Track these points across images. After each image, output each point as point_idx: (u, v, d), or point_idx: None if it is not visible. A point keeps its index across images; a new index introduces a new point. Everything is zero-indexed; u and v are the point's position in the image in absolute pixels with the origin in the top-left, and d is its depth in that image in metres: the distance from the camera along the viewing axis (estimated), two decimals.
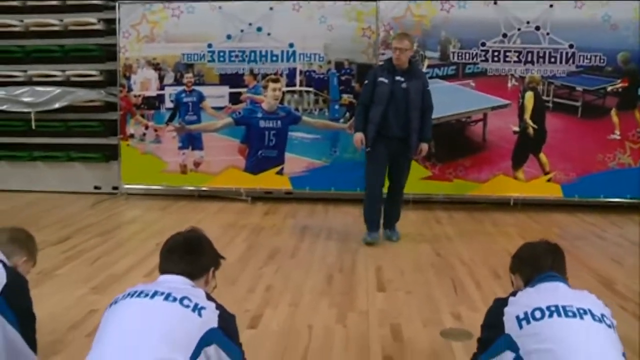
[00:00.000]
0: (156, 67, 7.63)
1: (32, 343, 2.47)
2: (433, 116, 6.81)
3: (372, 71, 5.74)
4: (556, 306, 2.02)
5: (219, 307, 2.11)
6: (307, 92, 7.40)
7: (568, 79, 7.06)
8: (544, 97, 7.09)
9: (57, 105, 7.86)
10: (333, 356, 3.30)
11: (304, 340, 3.48)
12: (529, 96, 7.07)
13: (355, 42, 7.25)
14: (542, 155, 7.11)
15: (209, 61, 7.53)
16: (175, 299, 2.02)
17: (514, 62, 7.00)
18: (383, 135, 5.44)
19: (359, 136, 5.49)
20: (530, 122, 7.08)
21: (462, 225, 6.41)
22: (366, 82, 5.58)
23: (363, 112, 5.51)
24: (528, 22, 7.00)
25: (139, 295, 2.07)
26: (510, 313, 2.06)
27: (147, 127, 7.71)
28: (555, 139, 7.12)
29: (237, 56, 7.46)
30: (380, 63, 6.16)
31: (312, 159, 7.40)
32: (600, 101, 7.10)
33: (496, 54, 7.02)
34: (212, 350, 1.99)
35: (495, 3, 6.99)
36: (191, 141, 7.64)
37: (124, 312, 2.05)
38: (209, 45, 7.49)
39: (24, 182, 8.25)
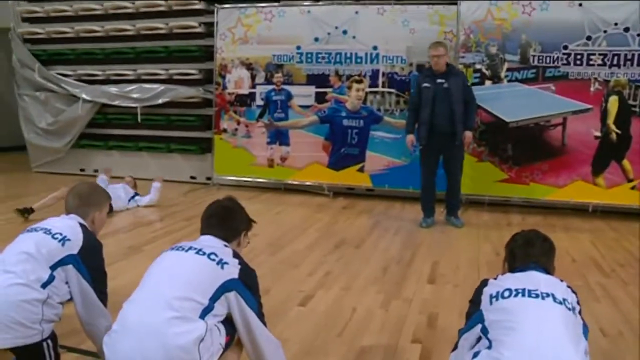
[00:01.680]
0: (249, 67, 8.17)
1: (103, 296, 2.91)
2: (510, 119, 6.94)
3: (416, 79, 6.55)
4: (524, 289, 2.25)
5: (241, 263, 2.55)
6: (389, 93, 7.65)
7: None
8: (630, 102, 6.92)
9: (160, 101, 8.61)
10: (367, 335, 3.58)
11: (344, 320, 3.79)
12: (613, 100, 6.92)
13: None
14: (625, 162, 6.93)
15: (297, 62, 7.96)
16: (204, 253, 2.49)
17: (598, 65, 6.88)
18: (434, 132, 6.15)
19: (409, 137, 6.33)
20: (613, 127, 6.93)
21: (531, 227, 6.43)
22: (412, 90, 6.46)
23: (412, 116, 6.31)
24: (616, 24, 6.85)
25: (177, 249, 2.56)
26: (486, 292, 2.31)
27: (239, 123, 8.27)
28: None
29: (323, 58, 7.84)
30: (423, 71, 6.78)
31: (392, 157, 7.65)
32: None
33: (579, 57, 6.93)
34: (232, 295, 2.44)
35: (580, 5, 6.90)
36: (279, 137, 8.11)
37: (162, 261, 2.55)
38: (298, 47, 7.92)
39: (130, 169, 9.02)
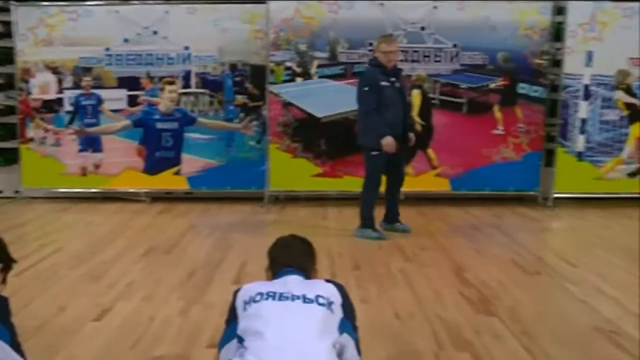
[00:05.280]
0: (55, 70, 7.67)
1: None
2: (322, 115, 7.12)
3: (368, 76, 5.78)
4: (274, 292, 2.27)
5: None
6: (202, 94, 7.55)
7: (452, 77, 7.36)
8: (430, 95, 7.38)
9: None
10: (161, 344, 3.46)
11: (139, 331, 3.64)
12: (416, 94, 7.34)
13: (248, 44, 7.43)
14: (430, 151, 7.39)
15: (107, 64, 7.59)
16: None
17: (400, 61, 7.21)
18: (392, 135, 5.63)
19: (391, 140, 5.56)
20: (417, 118, 7.35)
21: (346, 221, 6.60)
22: (366, 88, 5.64)
23: (378, 116, 5.58)
24: (413, 23, 7.27)
25: None
26: (240, 298, 2.30)
27: (46, 131, 7.75)
28: (443, 134, 7.41)
29: (134, 59, 7.55)
30: (366, 67, 6.21)
31: (208, 159, 7.56)
32: (483, 98, 7.42)
33: None
34: None
35: (381, 4, 7.23)
36: (90, 144, 7.71)
37: None
38: (107, 49, 7.55)
39: None
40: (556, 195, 7.46)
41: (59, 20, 7.61)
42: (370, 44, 7.26)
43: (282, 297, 2.24)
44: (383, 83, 5.63)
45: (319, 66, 7.32)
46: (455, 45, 7.30)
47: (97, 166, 7.70)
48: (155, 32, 7.52)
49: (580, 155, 7.44)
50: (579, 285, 4.59)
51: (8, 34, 7.83)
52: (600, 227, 6.58)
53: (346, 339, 2.27)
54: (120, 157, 7.64)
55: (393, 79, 5.71)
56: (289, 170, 7.28)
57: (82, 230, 6.37)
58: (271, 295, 2.25)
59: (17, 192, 8.00)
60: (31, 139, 7.79)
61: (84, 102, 7.67)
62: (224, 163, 7.52)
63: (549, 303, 4.27)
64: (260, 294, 2.26)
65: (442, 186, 7.48)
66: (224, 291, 4.33)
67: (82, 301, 4.19)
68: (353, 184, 7.30)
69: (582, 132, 7.42)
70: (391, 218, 6.19)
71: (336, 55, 7.31)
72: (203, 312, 3.97)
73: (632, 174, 7.54)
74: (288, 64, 7.29)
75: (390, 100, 5.64)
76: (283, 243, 2.64)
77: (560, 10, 7.39)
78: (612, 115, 7.47)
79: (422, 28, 7.28)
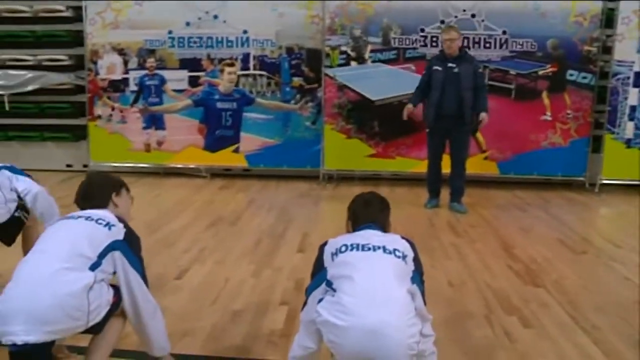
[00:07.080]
0: (121, 52, 8.13)
1: None
2: (375, 98, 7.40)
3: (429, 61, 6.64)
4: (357, 244, 2.60)
5: (126, 227, 2.79)
6: (260, 75, 7.92)
7: (502, 63, 7.56)
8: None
9: (29, 88, 8.35)
10: (238, 300, 3.87)
11: (217, 289, 4.06)
12: None
13: (305, 29, 7.76)
14: (478, 135, 7.61)
15: (169, 47, 8.02)
16: (93, 219, 2.74)
17: None
18: (440, 115, 6.29)
19: (408, 107, 6.44)
20: None
21: (398, 199, 6.92)
22: (424, 72, 6.52)
23: (418, 93, 6.48)
24: (464, 10, 7.49)
25: (68, 218, 2.80)
26: (327, 251, 2.64)
27: (113, 109, 8.23)
28: (491, 119, 7.48)
29: (195, 42, 7.96)
30: (435, 54, 6.82)
31: (266, 138, 7.95)
32: (532, 84, 7.60)
33: (435, 39, 7.51)
34: (117, 254, 2.68)
35: None
36: (154, 121, 8.17)
37: (59, 226, 2.78)
38: (170, 32, 7.97)
39: (0, 159, 8.73)
40: (603, 181, 7.64)
41: (125, 5, 8.04)
42: (422, 30, 7.54)
43: (364, 247, 2.58)
44: (435, 67, 6.29)
45: (372, 51, 7.61)
46: (504, 32, 7.50)
47: (160, 143, 8.16)
48: (215, 17, 7.90)
49: (629, 142, 7.58)
50: (623, 264, 4.83)
51: (79, 18, 8.30)
52: None
53: (415, 289, 2.60)
54: (182, 135, 8.08)
55: (452, 65, 6.21)
56: (343, 150, 7.62)
57: (151, 201, 6.81)
58: (355, 247, 2.59)
59: (85, 166, 8.51)
60: (99, 117, 8.29)
61: (148, 82, 8.12)
62: (280, 142, 7.89)
63: (593, 278, 4.54)
64: (345, 245, 2.60)
65: (490, 169, 7.71)
66: (290, 258, 4.75)
67: (162, 262, 4.61)
68: (405, 164, 7.67)
69: (631, 119, 7.56)
70: (451, 196, 6.62)
71: (389, 41, 7.59)
72: (273, 275, 4.36)
73: None
74: (343, 48, 7.59)
75: (437, 84, 6.24)
76: (362, 200, 2.93)
77: None
78: None
79: (473, 15, 7.50)
